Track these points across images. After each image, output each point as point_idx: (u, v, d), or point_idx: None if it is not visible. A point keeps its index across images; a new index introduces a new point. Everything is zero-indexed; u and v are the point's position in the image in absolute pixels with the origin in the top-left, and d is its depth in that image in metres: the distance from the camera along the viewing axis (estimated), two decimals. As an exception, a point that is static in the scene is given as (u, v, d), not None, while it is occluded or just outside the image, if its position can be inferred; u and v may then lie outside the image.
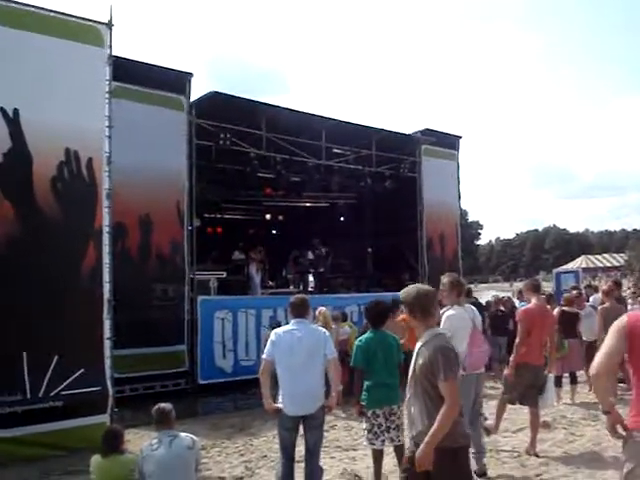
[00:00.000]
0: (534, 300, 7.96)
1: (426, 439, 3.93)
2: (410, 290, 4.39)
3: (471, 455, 6.89)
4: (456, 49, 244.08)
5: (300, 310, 6.26)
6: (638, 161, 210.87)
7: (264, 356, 6.10)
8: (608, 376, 3.74)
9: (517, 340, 7.71)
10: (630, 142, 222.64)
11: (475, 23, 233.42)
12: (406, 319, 11.17)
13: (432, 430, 3.91)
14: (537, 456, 7.57)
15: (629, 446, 3.69)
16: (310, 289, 18.24)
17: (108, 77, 9.59)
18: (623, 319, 3.78)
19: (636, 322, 3.70)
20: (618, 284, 12.13)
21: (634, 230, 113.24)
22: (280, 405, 5.98)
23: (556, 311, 10.90)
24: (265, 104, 14.92)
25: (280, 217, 21.86)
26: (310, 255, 18.50)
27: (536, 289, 8.22)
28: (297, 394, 5.89)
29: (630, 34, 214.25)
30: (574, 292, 12.55)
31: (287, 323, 6.42)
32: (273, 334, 6.17)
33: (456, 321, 6.81)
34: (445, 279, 7.05)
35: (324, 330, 6.42)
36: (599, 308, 10.86)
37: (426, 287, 4.48)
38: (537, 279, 8.63)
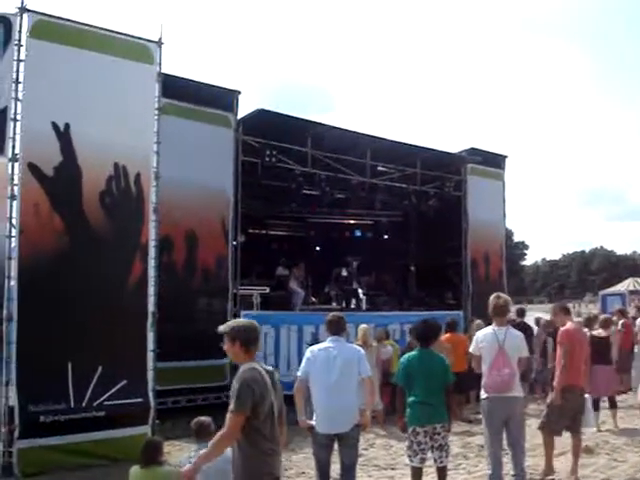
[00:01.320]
0: (569, 322, 7.89)
1: (197, 458, 4.13)
2: (235, 322, 4.63)
3: (513, 477, 6.87)
4: (504, 67, 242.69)
5: (337, 327, 6.33)
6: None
7: (298, 373, 6.19)
8: None
9: (560, 363, 7.63)
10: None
11: (524, 41, 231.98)
12: (449, 340, 11.34)
13: (204, 452, 4.10)
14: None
15: None
16: (352, 306, 18.23)
17: (157, 94, 9.82)
18: None
19: None
20: None
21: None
22: (314, 422, 6.02)
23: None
24: (311, 122, 15.04)
25: (324, 234, 21.89)
26: (346, 272, 18.44)
27: (567, 311, 8.20)
28: (331, 412, 5.93)
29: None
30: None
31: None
32: (309, 352, 6.24)
33: (480, 342, 6.92)
34: (491, 300, 7.12)
35: (359, 349, 6.47)
36: None
37: (251, 322, 4.64)
38: (564, 302, 8.58)
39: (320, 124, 15.10)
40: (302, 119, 14.79)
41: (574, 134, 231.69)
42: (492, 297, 7.16)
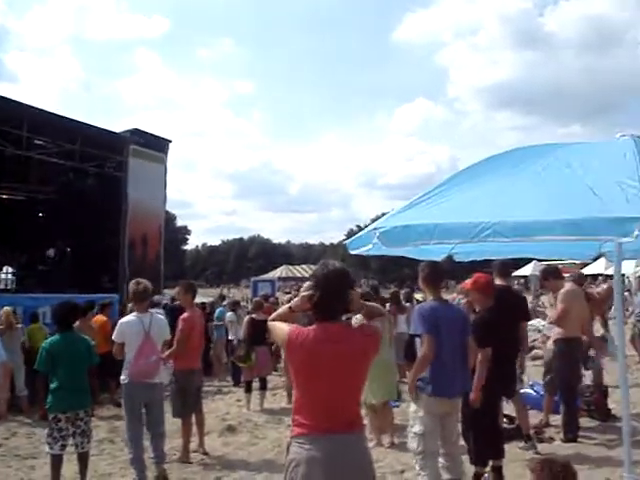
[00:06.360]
0: (191, 307, 8.03)
1: None
2: None
3: (152, 460, 6.89)
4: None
5: None
6: (339, 182, 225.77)
7: None
8: None
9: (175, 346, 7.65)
10: (335, 165, 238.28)
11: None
12: (100, 321, 11.15)
13: None
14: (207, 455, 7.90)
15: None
16: (1, 287, 17.15)
17: None
18: None
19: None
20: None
21: (331, 244, 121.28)
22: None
23: (246, 319, 11.34)
24: (-41, 84, 13.79)
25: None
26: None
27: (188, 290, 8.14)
28: None
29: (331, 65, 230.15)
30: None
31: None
32: None
33: (126, 328, 6.83)
34: (131, 287, 7.12)
35: None
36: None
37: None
38: (193, 283, 8.66)
39: (-31, 87, 13.90)
40: (-52, 80, 13.47)
41: (237, 125, 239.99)
42: (132, 283, 7.13)
